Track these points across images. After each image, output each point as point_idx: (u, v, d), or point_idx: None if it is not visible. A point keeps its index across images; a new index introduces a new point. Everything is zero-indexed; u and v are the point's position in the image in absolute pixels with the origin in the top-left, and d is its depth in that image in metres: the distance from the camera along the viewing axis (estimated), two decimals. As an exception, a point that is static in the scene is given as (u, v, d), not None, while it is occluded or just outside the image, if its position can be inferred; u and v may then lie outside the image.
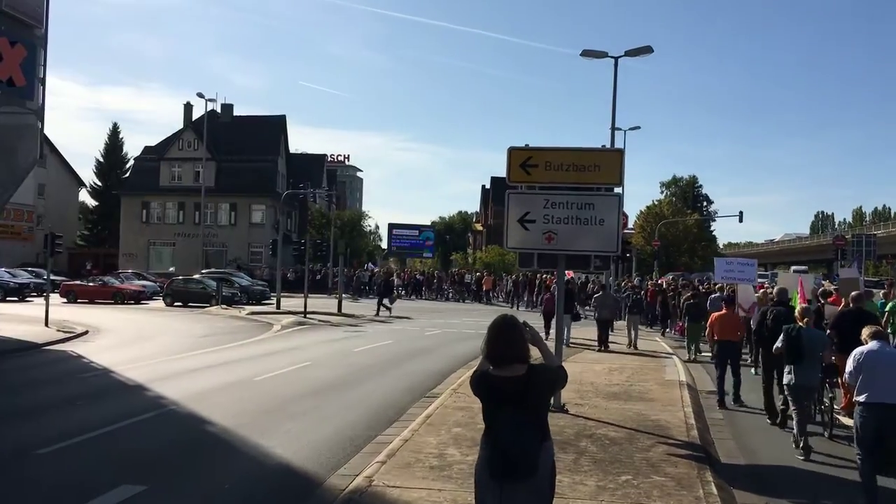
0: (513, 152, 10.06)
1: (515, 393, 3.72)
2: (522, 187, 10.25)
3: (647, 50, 23.07)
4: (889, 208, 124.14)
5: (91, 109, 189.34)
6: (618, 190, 9.95)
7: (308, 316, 29.19)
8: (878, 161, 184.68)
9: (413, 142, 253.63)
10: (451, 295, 47.89)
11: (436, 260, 76.42)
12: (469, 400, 10.64)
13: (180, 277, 40.13)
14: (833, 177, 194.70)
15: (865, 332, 7.06)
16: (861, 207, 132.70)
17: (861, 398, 6.66)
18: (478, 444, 4.04)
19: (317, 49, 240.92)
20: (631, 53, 23.22)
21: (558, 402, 10.08)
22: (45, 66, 22.98)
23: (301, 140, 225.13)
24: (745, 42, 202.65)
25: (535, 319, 32.49)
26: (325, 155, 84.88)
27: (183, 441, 9.01)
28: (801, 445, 8.51)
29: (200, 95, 46.32)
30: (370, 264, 44.38)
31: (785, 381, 8.81)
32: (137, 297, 37.97)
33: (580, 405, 10.56)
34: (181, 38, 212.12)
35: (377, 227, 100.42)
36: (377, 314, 30.58)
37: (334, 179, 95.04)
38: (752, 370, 14.12)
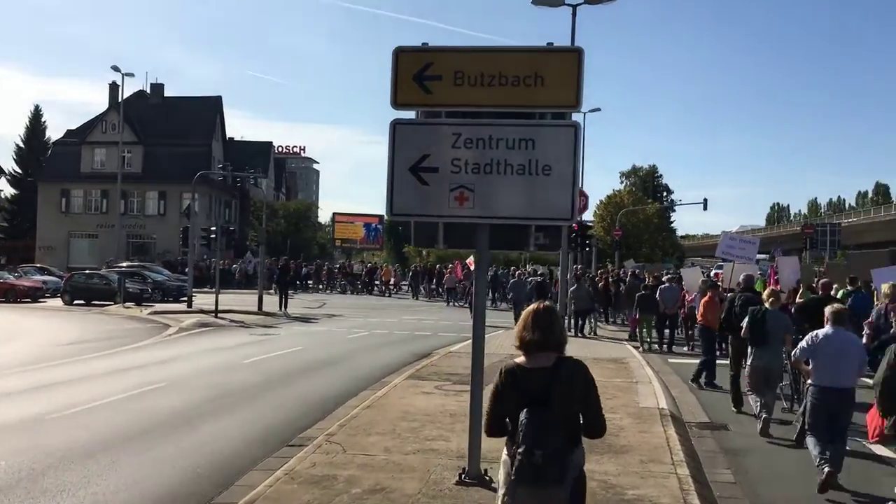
0: (401, 56, 6.11)
1: (542, 387, 3.41)
2: (419, 115, 6.34)
3: (610, -5, 19.37)
4: (844, 199, 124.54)
5: (41, 102, 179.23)
6: (575, 117, 6.07)
7: (220, 315, 24.96)
8: (829, 154, 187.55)
9: (374, 135, 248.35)
10: (344, 287, 44.94)
11: (386, 252, 72.11)
12: (340, 459, 6.74)
13: (85, 272, 35.44)
14: (786, 171, 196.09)
15: (828, 311, 7.10)
16: (816, 199, 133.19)
17: (816, 381, 6.88)
18: None
19: (273, 41, 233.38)
20: (592, 0, 19.44)
21: (476, 464, 6.21)
22: None
23: (257, 133, 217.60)
24: (698, 35, 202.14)
25: (437, 311, 29.81)
26: (270, 142, 79.90)
27: None
28: (761, 428, 8.65)
29: (116, 69, 40.92)
30: (285, 257, 40.69)
31: (748, 363, 9.09)
32: (34, 295, 33.34)
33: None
34: (133, 28, 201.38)
35: (332, 220, 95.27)
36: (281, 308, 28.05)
37: (283, 169, 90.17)
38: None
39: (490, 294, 31.97)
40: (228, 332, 20.90)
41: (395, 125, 6.11)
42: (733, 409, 10.21)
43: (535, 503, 3.37)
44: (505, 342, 17.55)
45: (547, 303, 3.76)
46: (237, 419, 9.29)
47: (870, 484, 6.88)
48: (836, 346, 6.80)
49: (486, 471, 6.18)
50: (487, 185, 5.96)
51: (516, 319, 16.01)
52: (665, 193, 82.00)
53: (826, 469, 6.40)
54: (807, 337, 7.10)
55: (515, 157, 5.90)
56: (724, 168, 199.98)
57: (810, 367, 7.02)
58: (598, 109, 38.42)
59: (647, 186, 79.64)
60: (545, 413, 3.35)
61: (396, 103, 6.12)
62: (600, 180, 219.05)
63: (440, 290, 38.53)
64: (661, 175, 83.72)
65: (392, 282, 44.74)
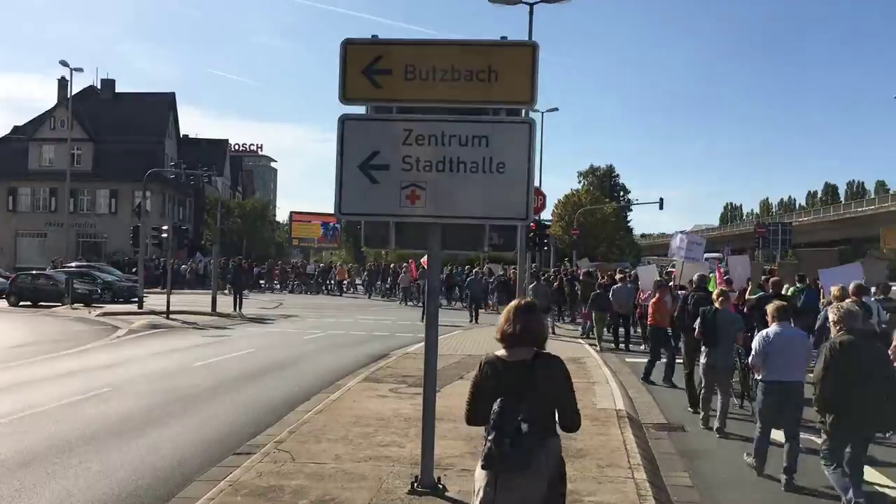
0: (350, 48, 5.89)
1: (520, 379, 3.55)
2: (369, 109, 6.12)
3: (567, -6, 19.39)
4: (794, 199, 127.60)
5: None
6: (533, 116, 5.93)
7: (172, 316, 24.36)
8: (780, 155, 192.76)
9: (333, 132, 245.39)
10: (295, 287, 44.79)
11: (343, 251, 71.57)
12: (289, 469, 6.48)
13: (32, 272, 34.35)
14: (738, 171, 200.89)
15: (770, 308, 7.30)
16: (768, 199, 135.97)
17: (765, 377, 7.01)
18: None
19: (231, 38, 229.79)
20: (549, -1, 19.42)
21: (429, 472, 6.02)
22: None
23: (213, 131, 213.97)
24: (652, 38, 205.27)
25: (394, 311, 29.42)
26: (226, 140, 78.68)
27: None
28: (717, 427, 8.81)
29: (64, 63, 39.78)
30: (239, 257, 40.26)
31: (701, 361, 9.22)
32: (-23, 296, 32.14)
33: (468, 472, 6.47)
34: (87, 23, 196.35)
35: (289, 219, 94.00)
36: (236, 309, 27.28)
37: (240, 167, 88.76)
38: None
39: (445, 294, 31.91)
40: (180, 334, 20.37)
41: (344, 121, 5.88)
42: (689, 409, 10.25)
43: (511, 488, 3.45)
44: (461, 342, 17.44)
45: (529, 298, 3.98)
46: (184, 426, 8.95)
47: (825, 480, 6.86)
48: (782, 341, 6.97)
49: (439, 478, 6.00)
50: (440, 183, 5.77)
51: (472, 317, 16.26)
52: (622, 193, 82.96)
53: (753, 461, 7.21)
54: (756, 339, 7.24)
55: (469, 155, 5.72)
56: (679, 168, 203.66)
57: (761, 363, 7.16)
58: (556, 109, 38.83)
59: (605, 186, 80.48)
60: (519, 403, 3.45)
61: (345, 98, 5.90)
62: (558, 180, 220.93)
63: (395, 289, 38.38)
64: (618, 175, 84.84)
65: (347, 281, 44.44)
